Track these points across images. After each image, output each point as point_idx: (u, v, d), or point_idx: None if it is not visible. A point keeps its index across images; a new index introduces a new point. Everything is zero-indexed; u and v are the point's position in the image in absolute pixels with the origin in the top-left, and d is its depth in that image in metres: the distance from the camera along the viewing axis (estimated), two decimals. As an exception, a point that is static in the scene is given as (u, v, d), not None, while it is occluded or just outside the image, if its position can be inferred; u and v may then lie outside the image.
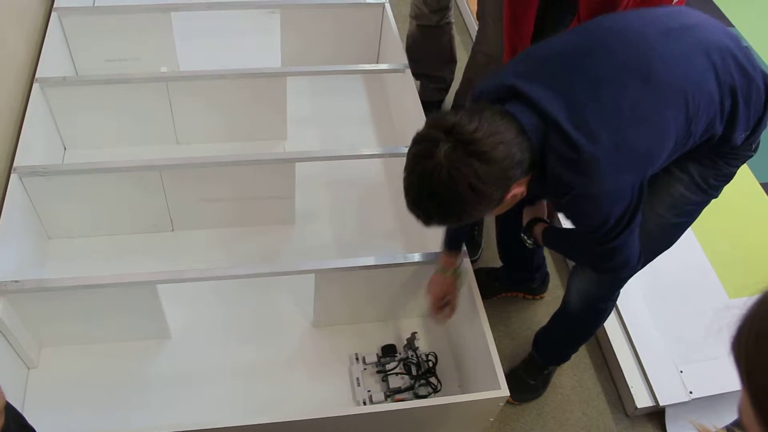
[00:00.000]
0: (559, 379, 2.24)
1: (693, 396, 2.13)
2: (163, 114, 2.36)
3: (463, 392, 1.94)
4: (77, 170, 2.00)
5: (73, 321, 1.88)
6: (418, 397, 1.93)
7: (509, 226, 2.16)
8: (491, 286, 2.38)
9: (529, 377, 2.17)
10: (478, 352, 1.81)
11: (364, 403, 1.89)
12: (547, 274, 2.42)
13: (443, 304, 1.89)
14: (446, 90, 2.95)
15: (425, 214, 1.34)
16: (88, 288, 1.75)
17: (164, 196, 2.12)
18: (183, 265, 2.03)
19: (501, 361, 1.74)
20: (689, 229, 1.74)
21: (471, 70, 2.78)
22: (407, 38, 2.78)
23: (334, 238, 2.29)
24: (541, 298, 2.43)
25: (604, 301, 1.91)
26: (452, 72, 2.91)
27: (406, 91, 2.42)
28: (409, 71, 2.44)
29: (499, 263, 2.46)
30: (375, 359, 1.99)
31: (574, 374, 2.27)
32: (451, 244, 1.84)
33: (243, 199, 2.19)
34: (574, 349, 2.14)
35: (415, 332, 2.03)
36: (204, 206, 2.18)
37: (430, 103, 2.91)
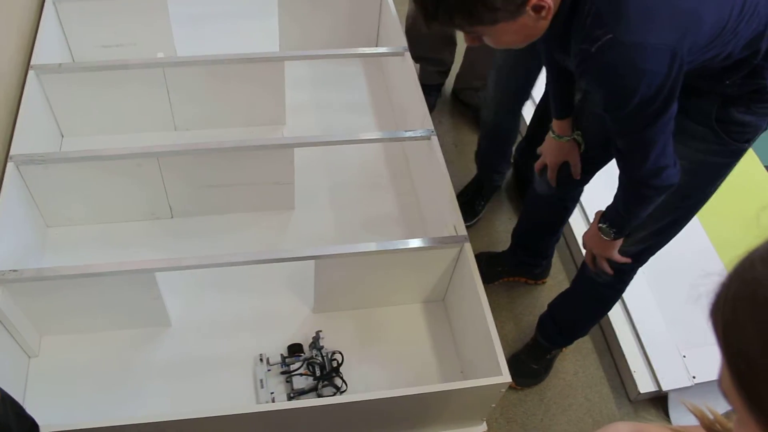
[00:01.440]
0: (561, 364, 2.24)
1: (696, 381, 2.12)
2: (161, 100, 2.34)
3: (464, 378, 1.93)
4: (74, 158, 1.98)
5: (72, 309, 1.87)
6: (321, 397, 1.86)
7: (538, 213, 2.16)
8: (493, 270, 2.37)
9: (531, 362, 2.17)
10: (480, 337, 1.80)
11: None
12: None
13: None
14: (446, 73, 2.94)
15: (432, 3, 1.25)
16: (87, 276, 1.74)
17: (162, 183, 2.10)
18: (182, 252, 2.01)
19: (503, 346, 1.73)
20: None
21: (472, 52, 2.76)
22: (406, 19, 2.76)
23: (334, 223, 2.28)
24: (543, 282, 2.43)
25: (612, 287, 1.91)
26: (452, 54, 2.89)
27: (406, 74, 2.39)
28: (408, 54, 2.41)
29: (498, 248, 2.46)
30: (279, 359, 1.93)
31: (576, 359, 2.26)
32: (561, 112, 1.81)
33: (242, 185, 2.17)
34: (583, 332, 2.14)
35: (320, 331, 1.97)
36: (203, 193, 2.16)
37: (430, 86, 2.89)
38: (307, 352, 1.95)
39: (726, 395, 0.68)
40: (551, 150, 1.88)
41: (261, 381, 1.88)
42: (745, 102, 1.46)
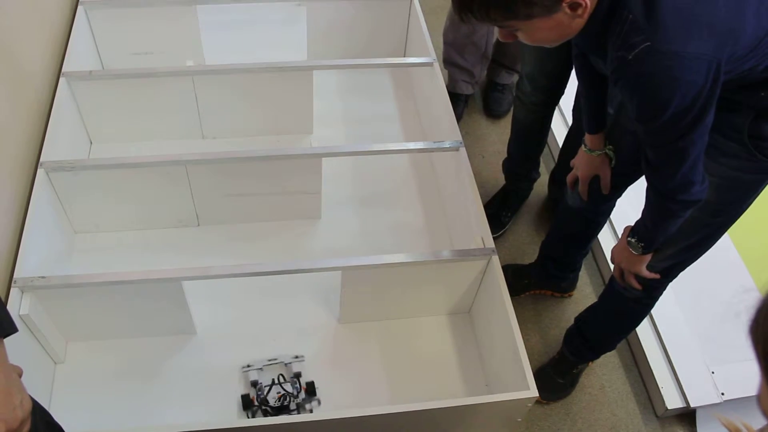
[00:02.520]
0: (587, 379, 2.21)
1: (725, 398, 2.09)
2: (189, 108, 2.35)
3: (490, 392, 1.91)
4: (103, 165, 1.99)
5: (99, 316, 1.88)
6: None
7: (569, 226, 2.14)
8: (520, 283, 2.35)
9: (558, 376, 2.15)
10: (506, 350, 1.79)
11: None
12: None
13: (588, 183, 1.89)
14: (474, 85, 2.92)
15: None
16: (114, 284, 1.75)
17: (190, 191, 2.11)
18: (208, 260, 2.02)
19: (529, 359, 1.71)
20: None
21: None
22: (447, 18, 2.80)
23: (361, 233, 2.28)
24: (570, 296, 2.40)
25: (640, 302, 1.89)
26: (484, 69, 2.89)
27: (434, 85, 2.39)
28: (437, 65, 2.41)
29: (524, 261, 2.44)
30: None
31: (603, 374, 2.23)
32: (592, 126, 1.79)
33: (269, 194, 2.17)
34: (611, 347, 2.12)
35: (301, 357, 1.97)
36: (230, 201, 2.17)
37: (458, 95, 2.89)
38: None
39: (765, 413, 0.67)
40: (583, 163, 1.87)
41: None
42: None
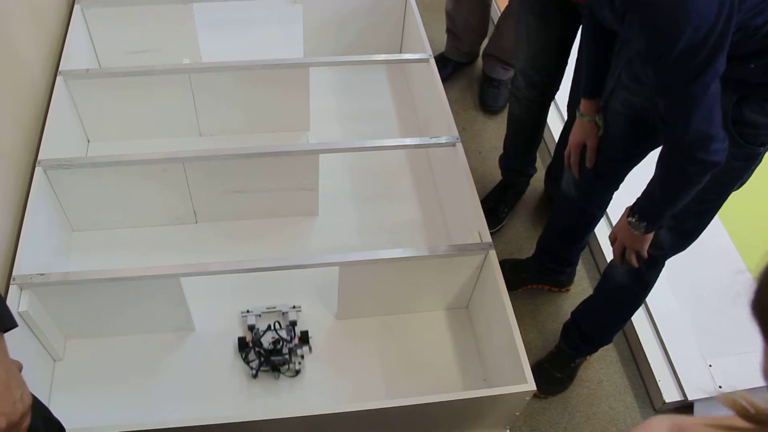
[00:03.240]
0: (585, 373, 2.22)
1: (722, 390, 2.10)
2: (186, 106, 2.36)
3: (488, 386, 1.92)
4: (101, 163, 2.00)
5: (97, 313, 1.88)
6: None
7: (565, 219, 2.15)
8: (517, 277, 2.36)
9: (555, 370, 2.16)
10: (504, 344, 1.79)
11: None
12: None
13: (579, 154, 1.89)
14: (468, 55, 3.12)
15: None
16: (113, 281, 1.75)
17: (188, 188, 2.11)
18: (206, 257, 2.02)
19: (527, 353, 1.72)
20: (717, 218, 1.70)
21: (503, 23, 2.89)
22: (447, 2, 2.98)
23: (358, 229, 2.28)
24: (567, 290, 2.41)
25: (633, 292, 1.90)
26: (480, 44, 3.10)
27: (430, 81, 2.39)
28: (433, 61, 2.42)
29: (522, 256, 2.45)
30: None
31: (600, 368, 2.24)
32: (588, 91, 1.79)
33: (266, 190, 2.18)
34: (607, 339, 2.12)
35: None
36: (227, 198, 2.17)
37: (449, 59, 3.11)
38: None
39: None
40: (574, 130, 1.87)
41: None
42: (758, 100, 1.43)
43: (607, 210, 2.25)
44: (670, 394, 2.12)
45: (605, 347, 2.19)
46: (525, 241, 2.56)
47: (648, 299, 2.24)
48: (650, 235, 1.65)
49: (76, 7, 2.42)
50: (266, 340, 1.94)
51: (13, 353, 1.09)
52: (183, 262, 1.85)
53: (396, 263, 1.88)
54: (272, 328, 1.98)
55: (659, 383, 2.14)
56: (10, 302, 1.67)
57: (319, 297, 2.09)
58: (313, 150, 2.10)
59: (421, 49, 2.49)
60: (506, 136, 2.53)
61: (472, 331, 2.06)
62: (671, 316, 2.26)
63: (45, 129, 2.06)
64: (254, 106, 2.41)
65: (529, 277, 2.38)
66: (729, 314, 2.20)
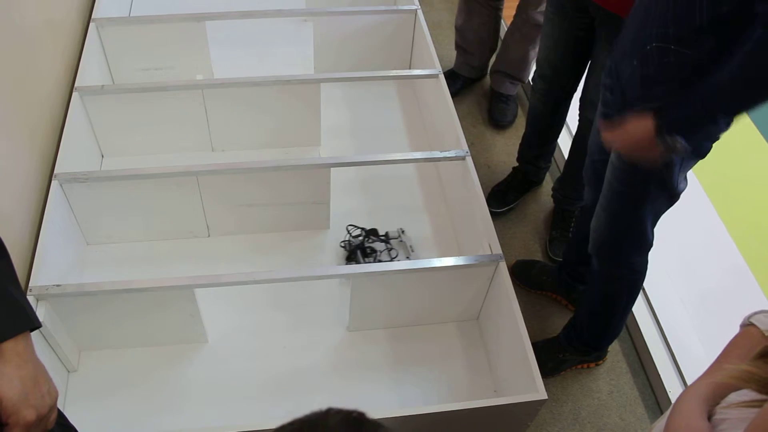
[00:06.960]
0: (595, 384, 2.23)
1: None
2: (199, 121, 2.39)
3: (498, 396, 1.93)
4: (116, 176, 2.02)
5: (112, 325, 1.90)
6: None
7: (584, 226, 2.17)
8: (540, 279, 2.39)
9: (545, 355, 2.18)
10: (515, 354, 1.80)
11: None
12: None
13: None
14: (478, 70, 3.17)
15: None
16: (128, 292, 1.78)
17: (201, 202, 2.14)
18: (219, 270, 2.04)
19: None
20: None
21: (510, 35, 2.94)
22: (456, 17, 3.04)
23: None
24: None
25: (622, 282, 1.92)
26: (489, 58, 3.15)
27: (440, 96, 2.42)
28: (442, 76, 2.44)
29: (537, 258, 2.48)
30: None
31: (610, 379, 2.25)
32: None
33: (278, 204, 2.20)
34: (600, 335, 2.13)
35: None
36: (240, 212, 2.20)
37: (459, 75, 3.17)
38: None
39: None
40: None
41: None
42: None
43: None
44: (681, 406, 2.12)
45: (615, 359, 2.19)
46: (534, 255, 2.57)
47: (657, 310, 2.26)
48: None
49: (92, 25, 2.46)
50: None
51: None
52: (196, 274, 1.87)
53: (407, 275, 1.89)
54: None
55: (670, 394, 2.14)
56: (27, 313, 1.69)
57: (331, 309, 2.10)
58: (325, 164, 2.12)
59: (430, 65, 2.52)
60: (526, 124, 2.68)
61: (483, 343, 2.08)
62: (680, 326, 2.27)
63: (61, 144, 2.09)
64: (266, 122, 2.44)
65: (548, 282, 2.40)
66: (737, 324, 2.21)
